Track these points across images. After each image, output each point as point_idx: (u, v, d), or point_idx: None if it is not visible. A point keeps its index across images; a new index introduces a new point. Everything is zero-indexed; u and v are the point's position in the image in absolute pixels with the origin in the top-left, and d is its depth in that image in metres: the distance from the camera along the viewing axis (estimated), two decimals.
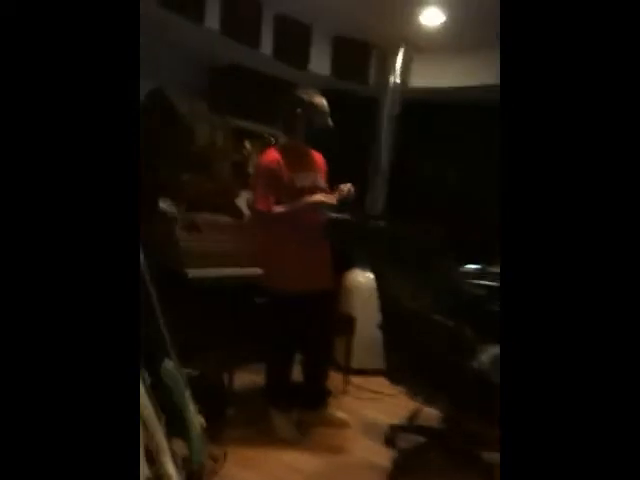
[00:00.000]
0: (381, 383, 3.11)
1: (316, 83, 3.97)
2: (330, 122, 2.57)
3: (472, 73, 3.77)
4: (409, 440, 2.52)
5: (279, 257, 2.53)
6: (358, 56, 3.97)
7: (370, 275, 3.16)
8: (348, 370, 3.29)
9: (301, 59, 3.76)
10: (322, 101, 2.58)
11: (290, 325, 2.55)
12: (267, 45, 3.56)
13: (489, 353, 2.32)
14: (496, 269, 2.97)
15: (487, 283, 2.87)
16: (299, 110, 2.54)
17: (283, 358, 2.64)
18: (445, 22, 3.43)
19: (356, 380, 3.31)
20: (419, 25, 3.50)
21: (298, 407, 2.70)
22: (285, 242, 2.52)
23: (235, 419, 2.62)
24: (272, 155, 2.53)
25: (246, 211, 3.78)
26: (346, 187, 2.55)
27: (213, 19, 3.23)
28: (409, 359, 2.38)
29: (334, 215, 2.67)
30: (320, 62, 3.85)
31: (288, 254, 2.50)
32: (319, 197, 2.48)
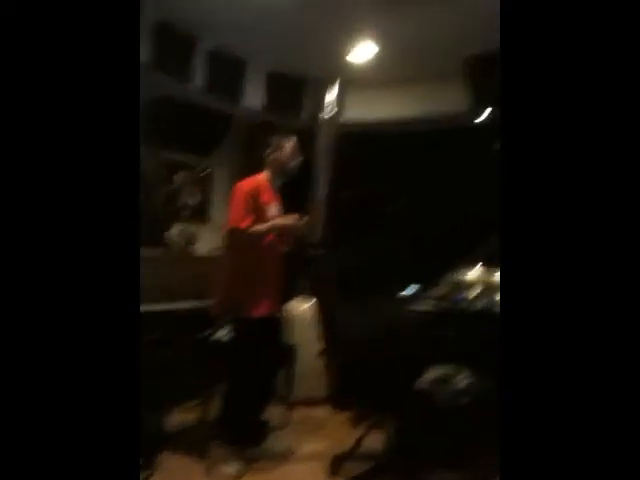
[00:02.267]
0: (325, 412, 3.09)
1: (250, 116, 4.04)
2: (296, 166, 2.76)
3: (404, 106, 3.95)
4: (356, 467, 2.50)
5: (250, 282, 2.57)
6: (291, 90, 4.06)
7: (310, 303, 3.17)
8: (290, 401, 3.24)
9: (235, 92, 3.80)
10: (296, 148, 2.75)
11: (254, 354, 2.53)
12: (200, 78, 3.57)
13: (432, 374, 2.38)
14: (437, 292, 3.07)
15: (428, 307, 2.95)
16: (272, 151, 2.72)
17: (245, 390, 2.59)
18: (377, 57, 3.59)
19: (299, 410, 3.26)
20: (352, 60, 3.64)
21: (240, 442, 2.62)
22: (257, 265, 2.60)
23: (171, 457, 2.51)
24: (253, 181, 2.66)
25: (177, 243, 3.73)
26: (305, 218, 2.68)
27: (146, 53, 3.22)
28: (354, 384, 2.39)
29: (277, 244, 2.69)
30: (254, 96, 3.90)
31: (260, 278, 2.58)
32: (291, 219, 2.60)
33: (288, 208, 2.76)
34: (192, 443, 2.65)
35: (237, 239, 2.60)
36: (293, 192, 3.81)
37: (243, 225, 2.53)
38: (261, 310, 2.55)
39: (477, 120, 3.97)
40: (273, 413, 2.89)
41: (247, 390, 2.62)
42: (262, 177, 2.73)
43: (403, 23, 3.20)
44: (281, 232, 2.65)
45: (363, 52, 3.56)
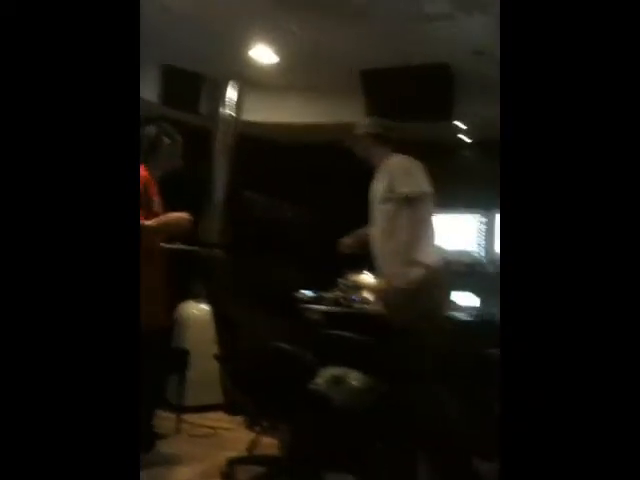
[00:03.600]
0: (218, 418, 3.03)
1: (145, 110, 3.86)
2: (180, 161, 2.63)
3: (301, 112, 4.00)
4: (249, 472, 2.47)
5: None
6: (189, 86, 3.95)
7: (204, 307, 3.10)
8: (181, 408, 3.14)
9: None
10: (179, 140, 2.61)
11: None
12: None
13: (326, 374, 2.42)
14: (330, 296, 3.13)
15: (322, 308, 3.00)
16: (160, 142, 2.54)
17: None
18: (278, 62, 3.60)
19: (191, 417, 3.16)
20: (253, 62, 3.62)
21: None
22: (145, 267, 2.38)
23: None
24: (142, 172, 2.41)
25: None
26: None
27: None
28: (249, 388, 2.37)
29: (166, 245, 2.59)
30: (149, 89, 3.75)
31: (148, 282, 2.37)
32: (183, 214, 2.43)
33: (182, 208, 2.59)
34: None
35: None
36: (189, 191, 3.71)
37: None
38: (149, 321, 2.37)
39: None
40: (164, 419, 2.78)
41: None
42: (143, 168, 2.52)
43: (305, 31, 3.24)
44: (169, 229, 2.47)
45: (264, 56, 3.56)
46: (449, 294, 2.87)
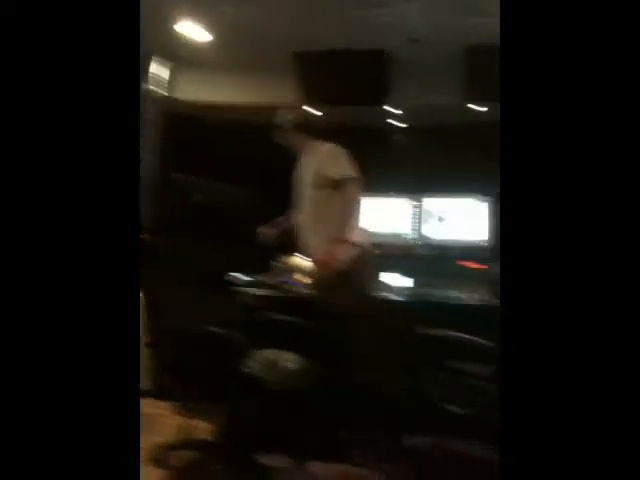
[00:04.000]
0: (149, 404, 2.96)
1: None
2: None
3: (235, 93, 3.92)
4: (183, 457, 2.45)
5: None
6: None
7: None
8: None
9: None
10: None
11: None
12: None
13: (260, 357, 2.42)
14: (263, 279, 3.12)
15: (256, 291, 2.99)
16: None
17: None
18: (213, 39, 3.50)
19: None
20: (183, 38, 3.50)
21: None
22: None
23: None
24: None
25: None
26: None
27: None
28: (181, 373, 2.33)
29: None
30: None
31: None
32: None
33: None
34: None
35: None
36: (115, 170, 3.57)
37: None
38: None
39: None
40: None
41: None
42: None
43: (240, 10, 3.17)
44: None
45: (196, 33, 3.45)
46: (379, 275, 2.95)
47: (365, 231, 2.67)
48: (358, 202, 2.56)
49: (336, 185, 2.54)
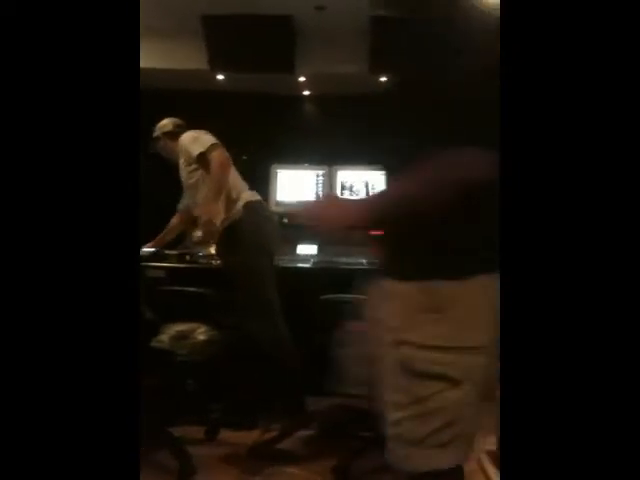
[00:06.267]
0: None
1: None
2: None
3: (144, 56, 3.72)
4: None
5: None
6: None
7: None
8: None
9: None
10: None
11: None
12: None
13: (170, 331, 2.41)
14: (172, 251, 3.06)
15: (162, 264, 2.94)
16: None
17: None
18: None
19: None
20: None
21: None
22: None
23: None
24: None
25: None
26: None
27: None
28: None
29: None
30: None
31: None
32: None
33: None
34: None
35: None
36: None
37: None
38: None
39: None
40: None
41: None
42: None
43: None
44: None
45: None
46: (286, 239, 3.03)
47: (253, 193, 2.75)
48: (227, 164, 2.63)
49: (202, 159, 2.63)
